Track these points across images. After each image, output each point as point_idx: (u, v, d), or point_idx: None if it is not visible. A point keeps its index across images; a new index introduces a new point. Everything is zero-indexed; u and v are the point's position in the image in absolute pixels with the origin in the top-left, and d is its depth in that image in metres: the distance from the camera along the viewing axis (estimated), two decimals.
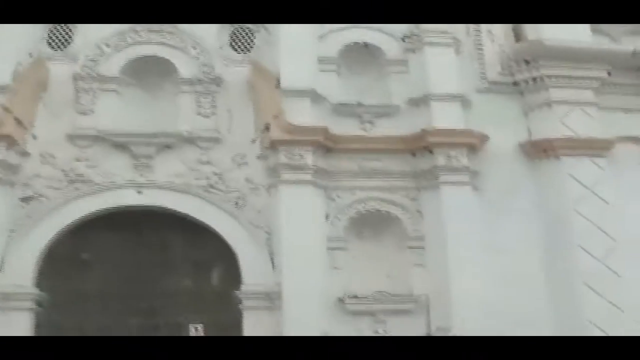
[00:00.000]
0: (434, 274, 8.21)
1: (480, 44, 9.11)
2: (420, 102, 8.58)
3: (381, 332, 8.10)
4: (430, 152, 8.32)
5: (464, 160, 8.35)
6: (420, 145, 8.36)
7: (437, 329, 8.09)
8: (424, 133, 8.30)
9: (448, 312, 8.01)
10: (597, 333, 8.12)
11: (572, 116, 8.87)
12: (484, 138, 8.56)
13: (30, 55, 8.49)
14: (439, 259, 8.16)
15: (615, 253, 8.47)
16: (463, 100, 8.66)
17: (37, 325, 7.83)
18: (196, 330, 8.03)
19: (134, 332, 7.97)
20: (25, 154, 8.10)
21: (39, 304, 7.86)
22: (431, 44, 8.75)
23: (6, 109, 7.94)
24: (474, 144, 8.45)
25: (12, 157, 7.99)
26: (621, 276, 8.40)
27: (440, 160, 8.27)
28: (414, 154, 8.45)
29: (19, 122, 8.03)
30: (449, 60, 8.77)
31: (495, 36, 9.16)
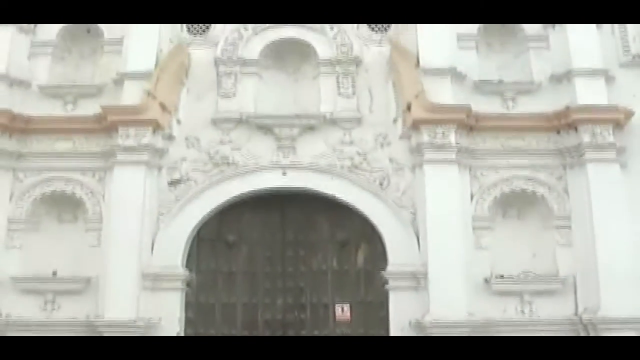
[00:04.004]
0: (580, 254, 8.65)
1: None
2: (563, 78, 9.06)
3: (527, 313, 8.66)
4: (575, 129, 8.77)
5: (609, 136, 8.75)
6: (564, 122, 8.81)
7: (584, 310, 8.56)
8: (568, 110, 8.74)
9: (596, 293, 8.43)
10: None
11: None
12: (629, 113, 8.91)
13: (171, 41, 9.47)
14: (586, 239, 8.59)
15: None
16: (606, 75, 9.05)
17: (186, 305, 8.74)
18: (342, 310, 8.77)
19: (280, 311, 8.82)
20: (171, 138, 9.05)
21: (188, 284, 8.79)
22: None
23: (151, 95, 8.88)
24: (619, 119, 8.82)
25: (159, 142, 8.95)
26: None
27: (586, 137, 8.70)
28: (558, 132, 8.91)
29: (163, 107, 8.97)
30: (590, 34, 9.20)
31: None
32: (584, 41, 9.15)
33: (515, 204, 8.89)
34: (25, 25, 9.60)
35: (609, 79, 9.10)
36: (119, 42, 9.46)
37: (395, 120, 8.99)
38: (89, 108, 9.10)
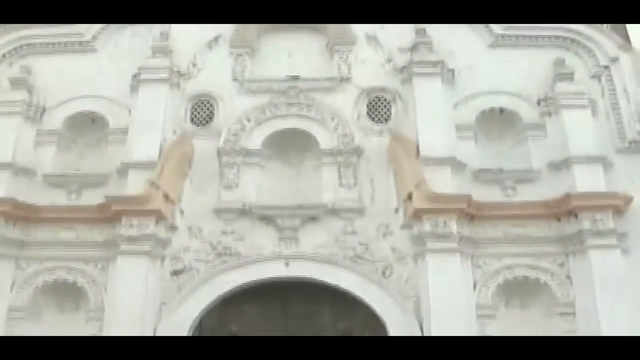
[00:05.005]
0: None
1: (617, 104, 9.81)
2: (561, 165, 9.32)
3: None
4: (575, 216, 8.94)
5: (610, 223, 8.91)
6: (564, 209, 9.00)
7: None
8: (568, 197, 8.95)
9: None
10: None
11: None
12: (628, 199, 9.11)
13: (175, 132, 9.78)
14: (591, 325, 8.59)
15: None
16: (604, 162, 9.31)
17: None
18: None
19: None
20: (173, 228, 9.24)
21: None
22: (567, 106, 9.56)
23: (154, 185, 9.10)
24: (619, 206, 9.02)
25: (162, 232, 9.13)
26: None
27: (586, 224, 8.86)
28: (558, 219, 9.09)
29: (167, 197, 9.18)
30: (586, 121, 9.53)
31: (630, 95, 9.84)
32: (580, 128, 9.46)
33: (519, 291, 8.98)
34: (31, 114, 9.96)
35: (606, 165, 9.34)
36: (124, 132, 9.78)
37: (396, 210, 9.19)
38: (93, 197, 9.33)
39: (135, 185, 9.22)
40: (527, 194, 9.29)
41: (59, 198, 9.54)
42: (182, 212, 9.33)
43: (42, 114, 10.08)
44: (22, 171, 9.58)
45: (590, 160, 9.28)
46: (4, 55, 10.59)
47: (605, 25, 11.07)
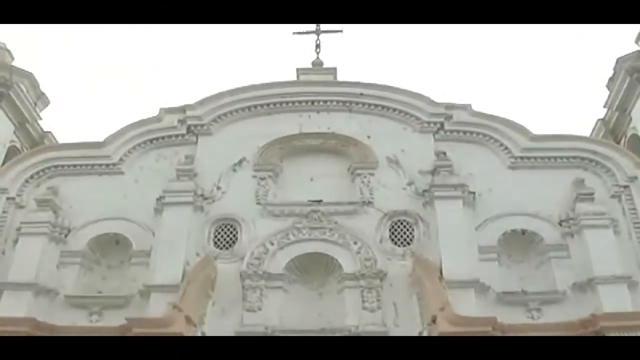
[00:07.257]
0: None
1: (638, 222, 10.12)
2: (586, 286, 9.51)
3: None
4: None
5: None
6: (591, 330, 9.08)
7: None
8: (594, 318, 9.08)
9: None
10: None
11: None
12: None
13: (198, 255, 10.12)
14: None
15: None
16: (629, 282, 9.51)
17: None
18: None
19: None
20: None
21: None
22: (589, 226, 9.86)
23: (176, 308, 9.34)
24: None
25: None
26: None
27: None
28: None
29: (189, 320, 9.36)
30: (609, 241, 9.80)
31: None
32: (603, 248, 9.72)
33: None
34: (56, 235, 10.36)
35: (631, 284, 9.54)
36: (147, 254, 10.12)
37: (420, 334, 9.30)
38: (115, 319, 9.52)
39: (157, 307, 9.45)
40: (552, 315, 9.46)
41: (80, 319, 9.77)
42: (204, 335, 9.52)
43: (66, 235, 10.47)
44: (44, 291, 9.86)
45: (615, 280, 9.48)
46: (31, 176, 11.16)
47: (622, 144, 11.61)
